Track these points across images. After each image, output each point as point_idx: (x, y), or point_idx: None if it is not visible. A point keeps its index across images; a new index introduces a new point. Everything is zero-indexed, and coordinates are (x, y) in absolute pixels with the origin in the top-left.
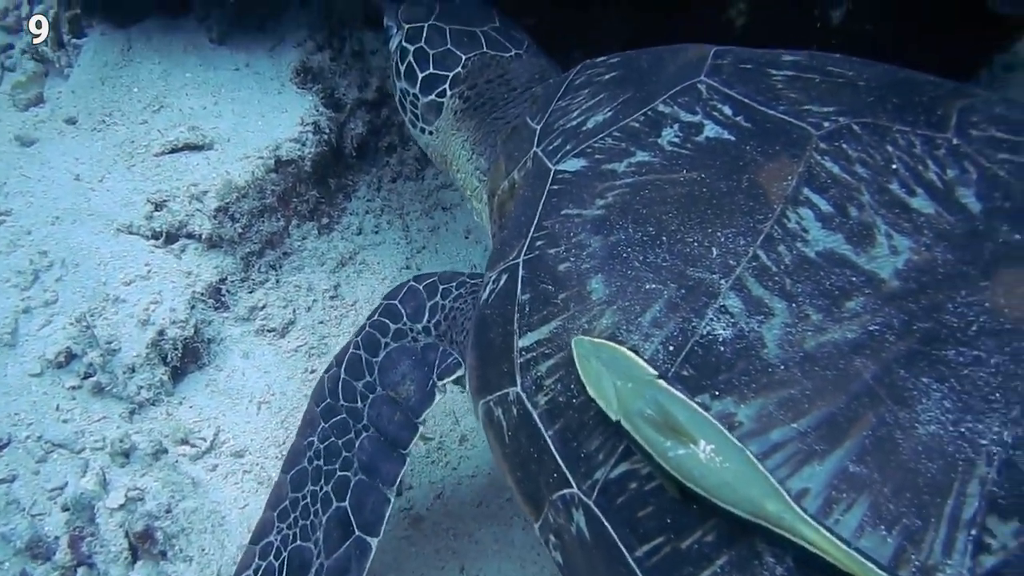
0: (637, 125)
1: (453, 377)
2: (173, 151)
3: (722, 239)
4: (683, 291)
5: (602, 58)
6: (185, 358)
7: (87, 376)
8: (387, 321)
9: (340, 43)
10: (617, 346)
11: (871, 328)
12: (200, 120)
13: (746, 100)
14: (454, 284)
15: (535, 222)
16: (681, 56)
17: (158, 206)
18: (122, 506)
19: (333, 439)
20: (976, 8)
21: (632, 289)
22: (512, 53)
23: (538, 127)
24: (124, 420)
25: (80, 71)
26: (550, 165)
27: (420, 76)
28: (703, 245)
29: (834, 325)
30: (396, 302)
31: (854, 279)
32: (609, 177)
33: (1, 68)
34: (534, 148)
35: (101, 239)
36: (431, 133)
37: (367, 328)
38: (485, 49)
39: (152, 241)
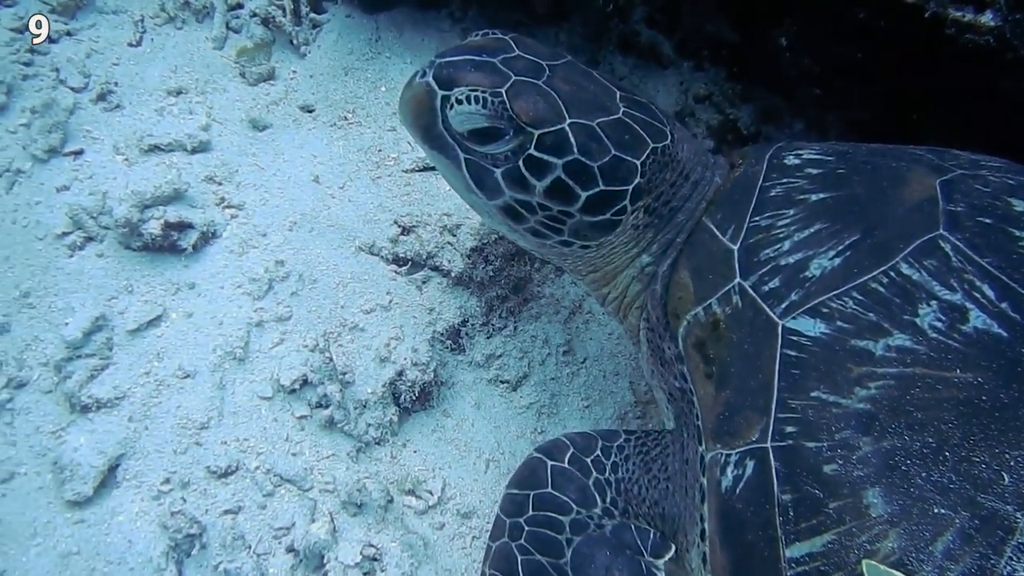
0: (883, 290)
1: (667, 558)
2: (424, 169)
3: (1012, 463)
4: (977, 521)
5: (793, 157)
6: (417, 400)
7: (319, 406)
8: (554, 515)
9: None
10: None
11: None
12: None
13: (1005, 279)
14: (600, 453)
15: (775, 396)
16: (904, 191)
17: (406, 230)
18: (358, 564)
19: None
20: None
21: (918, 511)
22: (669, 135)
23: (735, 247)
24: (351, 459)
25: (320, 54)
26: (775, 317)
27: (583, 196)
28: (992, 468)
29: None
30: (549, 490)
31: None
32: (865, 359)
33: (226, 28)
34: (738, 279)
35: (340, 256)
36: (585, 247)
37: (527, 528)
38: (653, 144)
39: (393, 266)
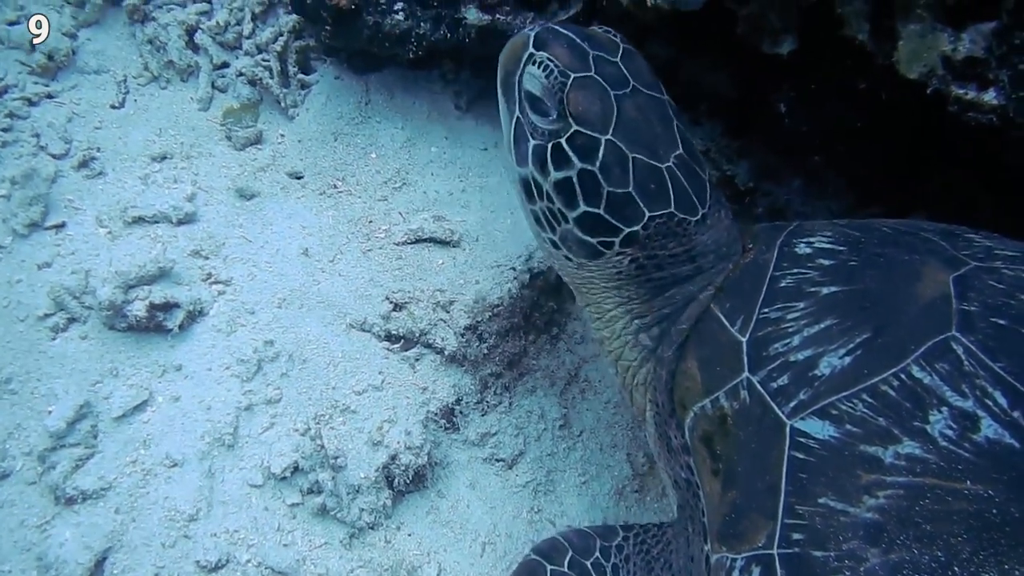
0: (893, 394)
1: None
2: (416, 241)
3: None
4: None
5: (805, 245)
6: (411, 483)
7: (310, 493)
8: None
9: None
10: None
11: None
12: (446, 209)
13: (1018, 385)
14: (599, 555)
15: (783, 500)
16: (917, 287)
17: (398, 307)
18: None
19: None
20: None
21: None
22: (699, 215)
23: (744, 340)
24: (344, 547)
25: (309, 117)
26: (783, 417)
27: (582, 208)
28: None
29: None
30: None
31: None
32: (874, 466)
33: (212, 87)
34: (747, 373)
35: (331, 333)
36: (569, 259)
37: None
38: (673, 209)
39: (385, 343)
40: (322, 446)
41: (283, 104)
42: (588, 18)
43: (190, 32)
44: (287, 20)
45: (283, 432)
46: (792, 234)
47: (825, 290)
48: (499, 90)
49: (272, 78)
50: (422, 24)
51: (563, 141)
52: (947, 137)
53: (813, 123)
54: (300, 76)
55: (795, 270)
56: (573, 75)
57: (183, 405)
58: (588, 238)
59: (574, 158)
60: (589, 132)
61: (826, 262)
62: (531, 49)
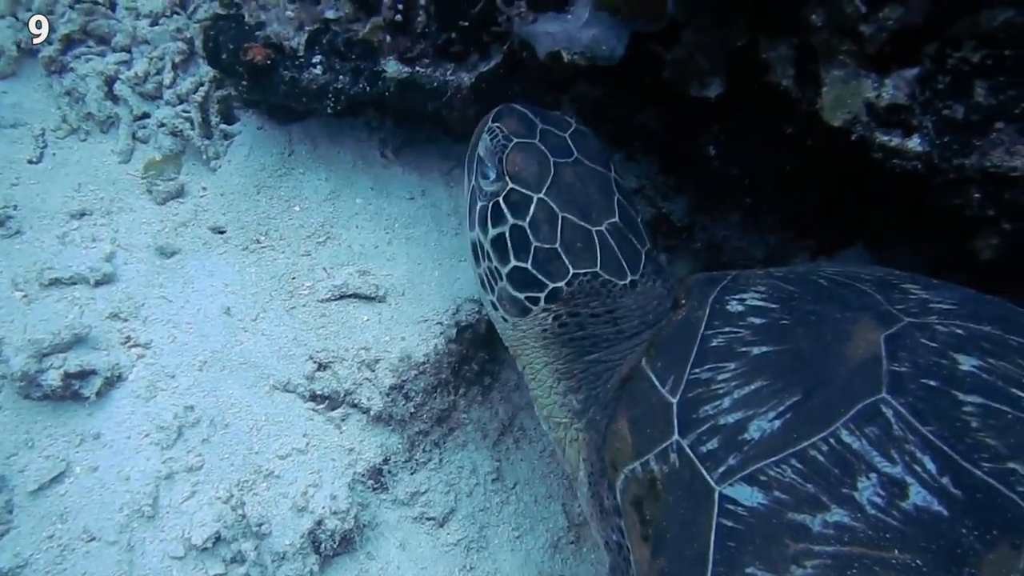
0: (822, 459)
1: None
2: (341, 297)
3: None
4: None
5: (737, 303)
6: (339, 547)
7: (234, 562)
8: None
9: None
10: None
11: None
12: (371, 262)
13: (947, 449)
14: None
15: (710, 570)
16: (848, 346)
17: (322, 366)
18: None
19: None
20: None
21: None
22: (627, 280)
23: (675, 401)
24: None
25: (232, 169)
26: (712, 483)
27: (512, 263)
28: None
29: None
30: None
31: None
32: (802, 535)
33: (132, 139)
34: (676, 436)
35: (254, 395)
36: (505, 320)
37: None
38: (598, 269)
39: (310, 403)
40: (244, 515)
41: (205, 156)
42: (508, 70)
43: (109, 82)
44: (208, 70)
45: (205, 501)
46: (725, 290)
47: (756, 350)
48: (467, 158)
49: (194, 129)
50: (340, 78)
51: (500, 199)
52: (876, 179)
53: (743, 166)
54: (223, 126)
55: (726, 329)
56: (516, 139)
57: (101, 476)
58: (517, 294)
59: (508, 214)
60: (523, 190)
61: (757, 321)
62: (489, 122)
